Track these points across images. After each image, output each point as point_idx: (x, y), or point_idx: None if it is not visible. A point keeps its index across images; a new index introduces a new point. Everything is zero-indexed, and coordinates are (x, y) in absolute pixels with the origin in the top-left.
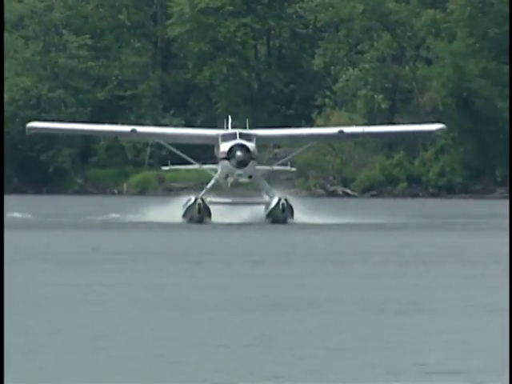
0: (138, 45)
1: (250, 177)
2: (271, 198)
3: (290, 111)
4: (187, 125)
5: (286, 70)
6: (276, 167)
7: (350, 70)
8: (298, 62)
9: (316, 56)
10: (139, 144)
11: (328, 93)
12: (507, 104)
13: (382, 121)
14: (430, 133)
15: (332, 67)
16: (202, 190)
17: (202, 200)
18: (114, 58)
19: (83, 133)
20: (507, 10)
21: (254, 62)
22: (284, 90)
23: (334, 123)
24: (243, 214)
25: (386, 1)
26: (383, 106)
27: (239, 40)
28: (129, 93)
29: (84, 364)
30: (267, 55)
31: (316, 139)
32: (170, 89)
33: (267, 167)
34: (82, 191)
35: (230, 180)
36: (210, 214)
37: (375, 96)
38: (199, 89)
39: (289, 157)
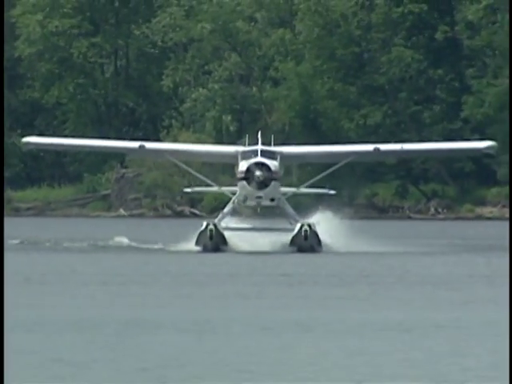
0: None
1: (273, 200)
2: (294, 224)
3: (138, 131)
4: None
5: (134, 90)
6: (304, 189)
7: (199, 90)
8: (145, 82)
9: (164, 77)
10: None
11: (175, 113)
12: (353, 125)
13: (230, 142)
14: (477, 150)
15: (180, 88)
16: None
17: (215, 226)
18: None
19: (85, 149)
20: (354, 31)
21: (101, 82)
22: (132, 110)
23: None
24: (266, 241)
25: (235, 20)
26: (231, 127)
27: (90, 60)
28: None
29: None
30: (115, 75)
31: (349, 157)
32: (17, 108)
33: (293, 189)
34: None
35: (251, 203)
36: (225, 241)
37: (223, 117)
38: (46, 109)
39: (318, 177)
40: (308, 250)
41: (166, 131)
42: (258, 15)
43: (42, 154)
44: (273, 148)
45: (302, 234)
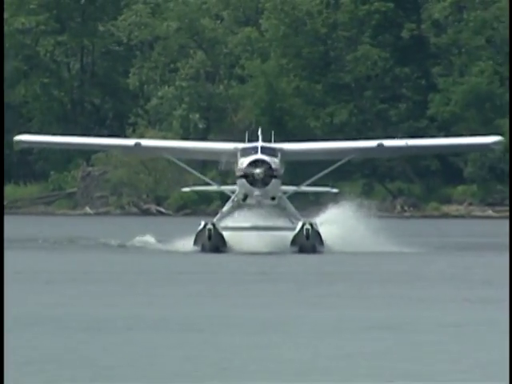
0: None
1: (273, 198)
2: (295, 222)
3: (104, 129)
4: None
5: (100, 88)
6: (306, 188)
7: (165, 88)
8: (111, 80)
9: (130, 74)
10: None
11: (141, 111)
12: (319, 123)
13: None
14: (484, 146)
15: (145, 86)
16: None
17: (214, 225)
18: None
19: (79, 147)
20: (320, 29)
21: (67, 80)
22: (98, 108)
23: None
24: (267, 241)
25: (201, 18)
26: (200, 125)
27: (57, 58)
28: None
29: None
30: (81, 73)
31: (352, 153)
32: None
33: (293, 188)
34: None
35: (251, 202)
36: (224, 242)
37: (191, 115)
38: (12, 106)
39: (321, 174)
40: (310, 250)
41: (132, 129)
42: (224, 13)
43: (8, 152)
44: (273, 145)
45: (304, 233)
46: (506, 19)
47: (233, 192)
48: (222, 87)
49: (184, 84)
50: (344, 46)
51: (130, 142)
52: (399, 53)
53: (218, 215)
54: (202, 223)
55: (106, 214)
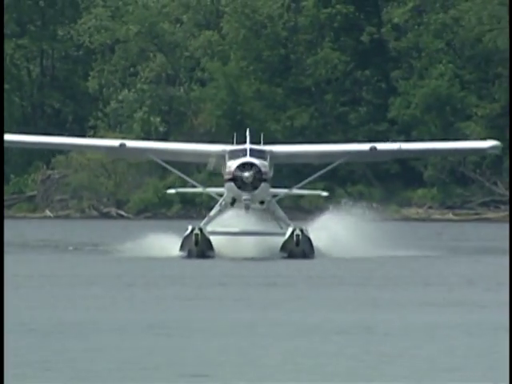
0: None
1: (262, 202)
2: (285, 228)
3: (64, 132)
4: None
5: (60, 91)
6: (297, 191)
7: (125, 91)
8: (71, 83)
9: (90, 78)
10: None
11: (101, 114)
12: (280, 127)
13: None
14: (480, 150)
15: (104, 89)
16: None
17: (201, 230)
18: None
19: (60, 147)
20: (281, 33)
21: (27, 83)
22: (57, 111)
23: None
24: (255, 246)
25: (161, 22)
26: (161, 128)
27: (16, 62)
28: None
29: None
30: (41, 76)
31: (343, 157)
32: None
33: (284, 190)
34: None
35: (239, 206)
36: (211, 247)
37: (152, 118)
38: None
39: (315, 175)
40: (299, 256)
41: (92, 132)
42: (184, 17)
43: None
44: (262, 147)
45: (294, 238)
46: (466, 22)
47: (219, 194)
48: (182, 90)
49: (145, 87)
50: (304, 49)
51: (115, 142)
52: (359, 56)
53: (206, 219)
54: (190, 228)
55: (67, 217)
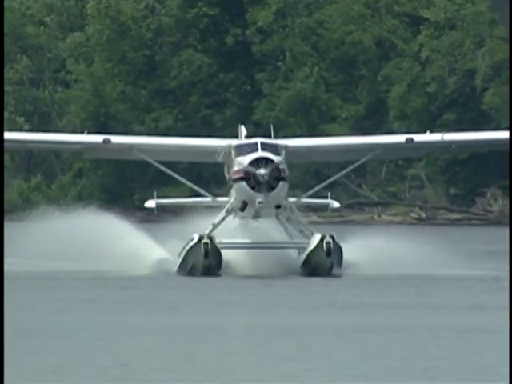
0: None
1: (278, 206)
2: (308, 237)
3: None
4: None
5: None
6: (306, 199)
7: None
8: None
9: None
10: None
11: None
12: (144, 128)
13: None
14: None
15: None
16: None
17: (211, 239)
18: None
19: (39, 144)
20: (145, 34)
21: None
22: None
23: None
24: (271, 261)
25: (25, 24)
26: (26, 127)
27: None
28: None
29: None
30: None
31: (373, 151)
32: None
33: (293, 199)
34: None
35: (250, 211)
36: (220, 263)
37: (17, 119)
38: None
39: (335, 177)
40: (327, 269)
41: None
42: (47, 19)
43: None
44: (275, 141)
45: (324, 247)
46: (331, 26)
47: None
48: (46, 92)
49: (9, 88)
50: (169, 50)
51: (98, 138)
52: (224, 58)
53: (210, 228)
54: (196, 236)
55: None
